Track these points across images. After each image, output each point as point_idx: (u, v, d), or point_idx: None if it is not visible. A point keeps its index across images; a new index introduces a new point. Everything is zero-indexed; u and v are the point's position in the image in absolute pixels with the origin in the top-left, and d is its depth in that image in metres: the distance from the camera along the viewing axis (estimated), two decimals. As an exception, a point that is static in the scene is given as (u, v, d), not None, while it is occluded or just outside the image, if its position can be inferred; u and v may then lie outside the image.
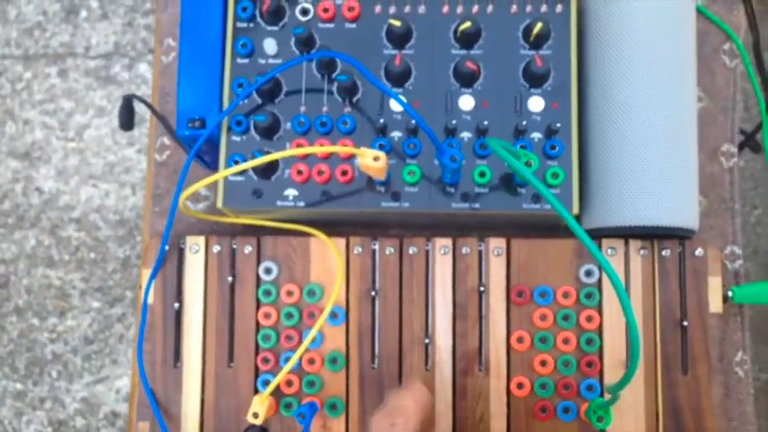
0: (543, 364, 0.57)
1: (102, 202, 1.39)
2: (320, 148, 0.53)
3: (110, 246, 1.38)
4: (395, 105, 0.58)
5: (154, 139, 0.70)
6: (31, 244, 1.38)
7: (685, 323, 0.57)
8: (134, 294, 1.35)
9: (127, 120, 0.66)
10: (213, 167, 0.65)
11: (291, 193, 0.58)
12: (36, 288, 1.36)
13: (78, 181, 1.40)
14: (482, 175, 0.56)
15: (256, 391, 0.59)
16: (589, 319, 0.57)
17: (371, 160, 0.52)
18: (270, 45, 0.59)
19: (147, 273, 0.61)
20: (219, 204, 0.58)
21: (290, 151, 0.53)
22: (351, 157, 0.58)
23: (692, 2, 0.60)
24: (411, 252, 0.59)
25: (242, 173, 0.58)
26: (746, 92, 0.68)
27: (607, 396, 0.57)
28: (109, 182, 1.39)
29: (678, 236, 0.58)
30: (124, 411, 1.34)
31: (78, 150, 1.41)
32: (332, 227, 0.63)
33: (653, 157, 0.56)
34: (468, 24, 0.57)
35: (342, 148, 0.52)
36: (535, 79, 0.57)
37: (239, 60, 0.60)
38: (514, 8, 0.59)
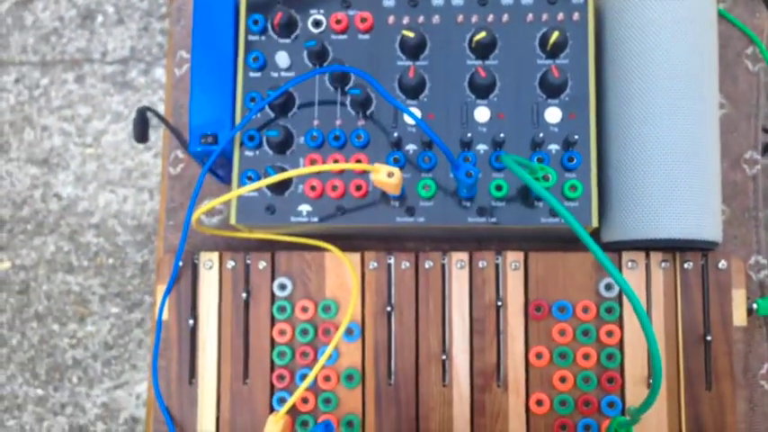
0: (563, 380, 0.56)
1: (120, 207, 1.39)
2: (333, 166, 0.52)
3: (128, 251, 1.38)
4: (409, 118, 0.57)
5: (168, 151, 0.69)
6: (51, 250, 1.39)
7: (709, 338, 0.55)
8: (153, 299, 1.35)
9: (141, 132, 0.65)
10: (227, 181, 0.64)
11: (305, 208, 0.57)
12: (56, 294, 1.37)
13: (96, 187, 1.40)
14: (499, 188, 0.55)
15: (272, 409, 0.58)
16: (610, 333, 0.56)
17: (386, 176, 0.51)
18: (282, 58, 0.58)
19: (161, 288, 0.60)
20: (233, 221, 0.57)
21: (303, 170, 0.52)
22: (365, 172, 0.57)
23: (714, 6, 0.58)
24: (427, 267, 0.58)
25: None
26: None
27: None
28: (126, 187, 1.40)
29: (701, 248, 0.56)
30: (144, 416, 1.34)
31: (96, 156, 1.41)
32: (347, 240, 0.62)
33: (675, 168, 0.54)
34: (483, 34, 0.56)
35: (355, 165, 0.51)
36: (552, 90, 0.56)
37: (251, 74, 0.59)
38: (530, 17, 0.57)
